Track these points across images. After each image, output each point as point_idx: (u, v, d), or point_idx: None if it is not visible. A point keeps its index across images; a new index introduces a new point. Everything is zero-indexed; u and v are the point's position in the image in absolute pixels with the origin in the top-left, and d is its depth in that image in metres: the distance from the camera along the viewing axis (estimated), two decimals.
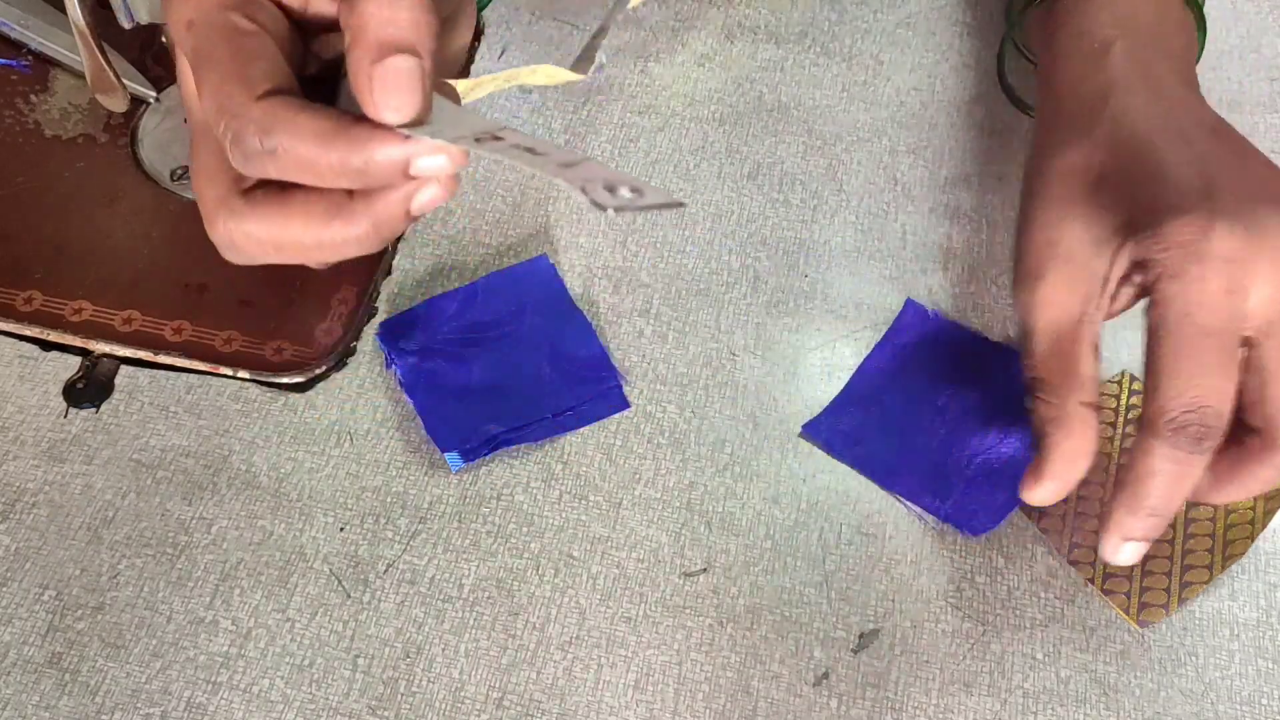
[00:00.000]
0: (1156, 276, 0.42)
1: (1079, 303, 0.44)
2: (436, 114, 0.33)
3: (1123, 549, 0.43)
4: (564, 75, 0.42)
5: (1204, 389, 0.40)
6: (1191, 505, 0.50)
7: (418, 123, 0.32)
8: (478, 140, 0.32)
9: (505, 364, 0.53)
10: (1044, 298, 0.44)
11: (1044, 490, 0.44)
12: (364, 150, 0.32)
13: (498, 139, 0.33)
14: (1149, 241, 0.42)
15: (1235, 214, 0.41)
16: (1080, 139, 0.47)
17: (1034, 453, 0.44)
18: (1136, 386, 0.53)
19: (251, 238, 0.35)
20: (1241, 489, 0.43)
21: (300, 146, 0.32)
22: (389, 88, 0.32)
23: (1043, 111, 0.52)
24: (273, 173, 0.33)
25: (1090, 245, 0.44)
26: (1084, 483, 0.50)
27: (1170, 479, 0.41)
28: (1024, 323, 0.45)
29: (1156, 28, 0.51)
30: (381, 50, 0.32)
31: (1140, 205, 0.43)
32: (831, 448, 0.51)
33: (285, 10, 0.36)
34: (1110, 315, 0.45)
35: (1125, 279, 0.44)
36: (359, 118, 0.32)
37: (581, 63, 0.55)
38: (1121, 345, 0.55)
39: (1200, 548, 0.49)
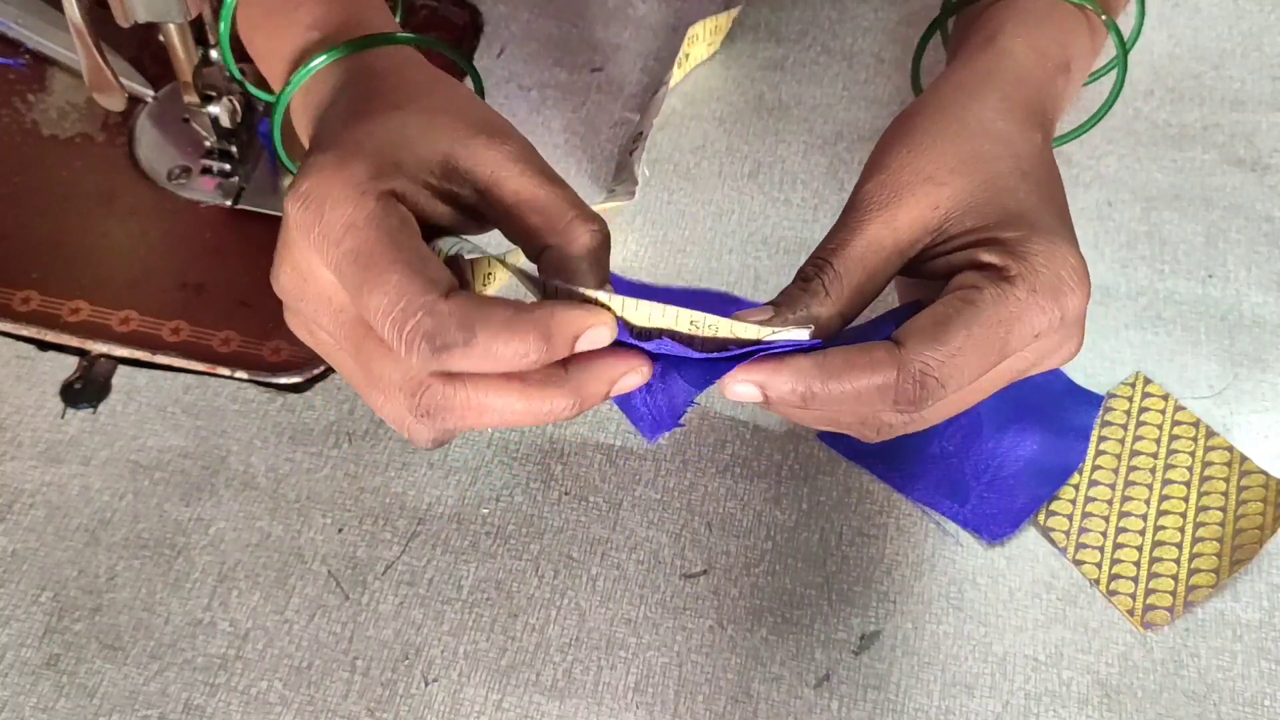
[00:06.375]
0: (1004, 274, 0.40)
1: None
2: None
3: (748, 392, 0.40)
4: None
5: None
6: (1201, 510, 0.50)
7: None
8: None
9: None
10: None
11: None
12: (547, 325, 0.36)
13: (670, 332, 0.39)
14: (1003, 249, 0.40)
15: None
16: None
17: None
18: (1150, 389, 0.53)
19: (469, 406, 0.38)
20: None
21: (492, 336, 0.36)
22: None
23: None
24: (459, 364, 0.36)
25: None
26: (1092, 484, 0.50)
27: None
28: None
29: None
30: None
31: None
32: (847, 452, 0.51)
33: (405, 203, 0.39)
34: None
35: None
36: (532, 305, 0.36)
37: (624, 184, 0.55)
38: (1133, 345, 0.55)
39: (1208, 551, 0.49)
